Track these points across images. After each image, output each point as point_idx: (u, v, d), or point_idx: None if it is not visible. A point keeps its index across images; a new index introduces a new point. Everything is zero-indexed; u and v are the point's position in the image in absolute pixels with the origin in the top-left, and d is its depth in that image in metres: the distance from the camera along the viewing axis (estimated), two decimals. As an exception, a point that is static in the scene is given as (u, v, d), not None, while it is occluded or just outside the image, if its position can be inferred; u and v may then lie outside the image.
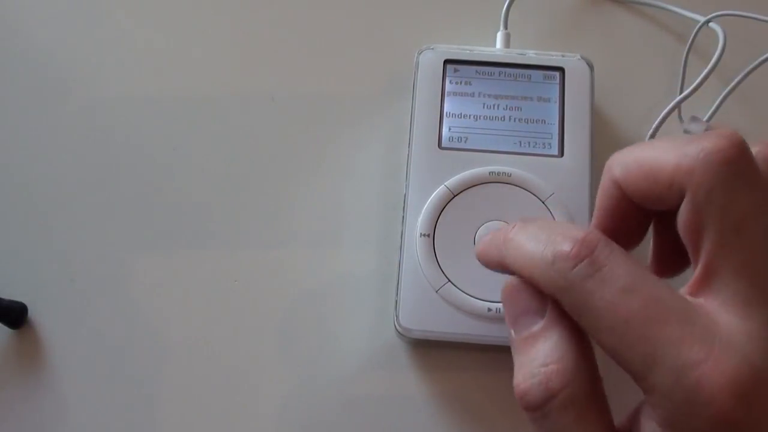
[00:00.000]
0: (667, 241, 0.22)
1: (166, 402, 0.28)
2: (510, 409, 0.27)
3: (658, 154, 0.20)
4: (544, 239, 0.20)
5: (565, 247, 0.19)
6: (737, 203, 0.18)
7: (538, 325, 0.20)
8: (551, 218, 0.28)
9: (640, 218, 0.22)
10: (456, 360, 0.29)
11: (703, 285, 0.18)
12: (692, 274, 0.19)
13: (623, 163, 0.21)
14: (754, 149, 0.19)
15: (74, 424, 0.28)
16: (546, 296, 0.21)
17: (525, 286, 0.21)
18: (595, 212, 0.23)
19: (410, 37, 0.34)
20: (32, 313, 0.30)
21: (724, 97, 0.32)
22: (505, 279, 0.22)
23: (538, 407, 0.19)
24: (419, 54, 0.31)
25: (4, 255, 0.31)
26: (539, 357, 0.20)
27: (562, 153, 0.29)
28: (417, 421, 0.28)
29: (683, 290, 0.19)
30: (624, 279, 0.18)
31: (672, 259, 0.23)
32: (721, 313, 0.18)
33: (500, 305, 0.27)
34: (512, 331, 0.21)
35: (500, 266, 0.23)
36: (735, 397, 0.16)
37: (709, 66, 0.30)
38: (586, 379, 0.19)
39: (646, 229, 0.23)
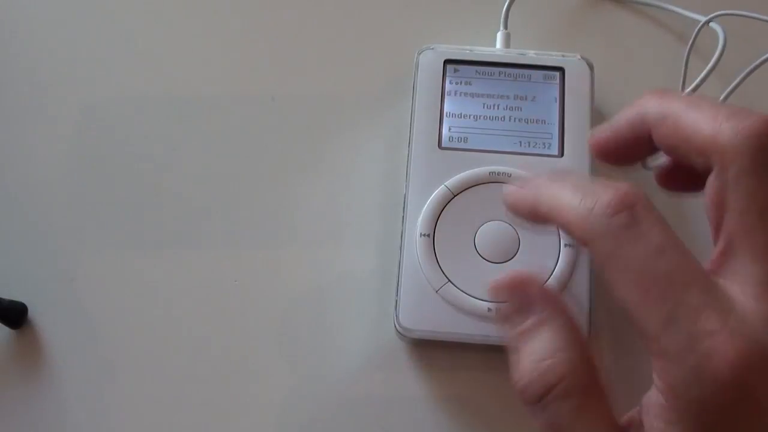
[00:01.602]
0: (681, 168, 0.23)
1: (166, 402, 0.28)
2: (510, 409, 0.27)
3: (696, 119, 0.20)
4: (584, 189, 0.20)
5: (607, 196, 0.19)
6: (764, 189, 0.18)
7: (532, 320, 0.21)
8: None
9: (648, 152, 0.22)
10: (456, 360, 0.29)
11: (722, 263, 0.19)
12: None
13: (661, 112, 0.21)
14: None
15: (74, 424, 0.28)
16: (537, 292, 0.21)
17: (519, 282, 0.22)
18: (608, 130, 0.23)
19: (410, 37, 0.34)
20: (32, 313, 0.30)
21: (725, 97, 0.32)
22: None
23: (538, 400, 0.19)
24: (419, 54, 0.31)
25: (4, 255, 0.31)
26: (536, 352, 0.20)
27: (562, 153, 0.29)
28: (417, 421, 0.28)
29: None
30: (659, 238, 0.18)
31: (681, 178, 0.23)
32: (737, 292, 0.18)
33: (501, 304, 0.27)
34: (507, 328, 0.21)
35: (532, 213, 0.22)
36: (741, 370, 0.17)
37: (710, 66, 0.30)
38: (583, 370, 0.19)
39: (648, 156, 0.23)
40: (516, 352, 0.21)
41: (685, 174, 0.22)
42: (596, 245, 0.19)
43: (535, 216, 0.22)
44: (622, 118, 0.22)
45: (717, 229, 0.19)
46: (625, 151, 0.23)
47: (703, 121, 0.19)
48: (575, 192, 0.20)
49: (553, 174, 0.22)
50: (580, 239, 0.20)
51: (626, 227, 0.19)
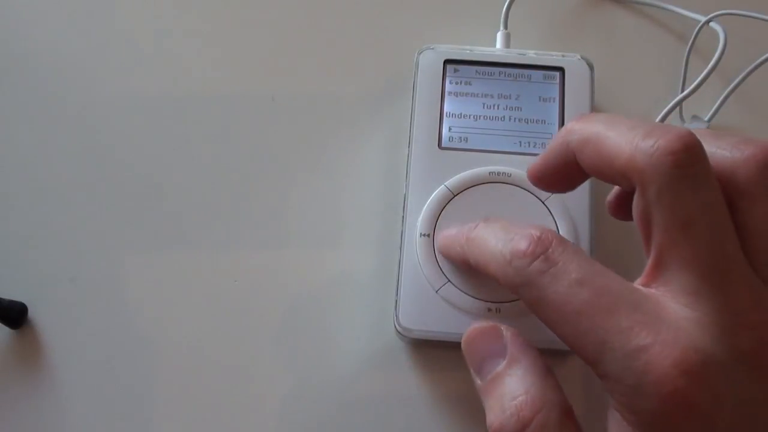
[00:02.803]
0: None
1: (166, 402, 0.28)
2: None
3: (615, 140, 0.20)
4: (503, 237, 0.21)
5: (522, 245, 0.20)
6: (684, 204, 0.19)
7: (501, 365, 0.21)
8: (551, 219, 0.28)
9: (584, 176, 0.23)
10: (456, 360, 0.28)
11: (654, 276, 0.19)
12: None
13: (582, 137, 0.21)
14: (748, 150, 0.20)
15: (74, 424, 0.28)
16: (503, 337, 0.22)
17: (481, 333, 0.22)
18: (540, 161, 0.23)
19: (410, 37, 0.34)
20: (32, 313, 0.30)
21: (726, 97, 0.32)
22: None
23: None
24: (419, 54, 0.31)
25: (4, 255, 0.31)
26: (507, 392, 0.20)
27: (562, 153, 0.29)
28: (417, 420, 0.28)
29: (639, 280, 0.20)
30: (576, 273, 0.19)
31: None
32: (669, 302, 0.19)
33: (500, 305, 0.27)
34: (478, 380, 0.22)
35: (462, 262, 0.24)
36: (681, 377, 0.17)
37: (710, 65, 0.30)
38: (555, 407, 0.20)
39: (583, 182, 0.23)
40: (488, 397, 0.21)
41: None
42: (522, 294, 0.21)
43: (468, 266, 0.24)
44: (550, 148, 0.23)
45: (647, 243, 0.20)
46: (561, 179, 0.23)
47: (621, 141, 0.20)
48: (496, 241, 0.22)
49: (485, 219, 0.24)
50: (508, 289, 0.21)
51: (543, 272, 0.20)
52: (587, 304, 0.19)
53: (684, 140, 0.19)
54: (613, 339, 0.18)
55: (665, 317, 0.18)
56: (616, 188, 0.24)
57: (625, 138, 0.20)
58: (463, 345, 0.23)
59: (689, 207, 0.19)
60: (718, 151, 0.20)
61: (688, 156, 0.19)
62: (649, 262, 0.19)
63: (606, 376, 0.19)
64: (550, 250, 0.20)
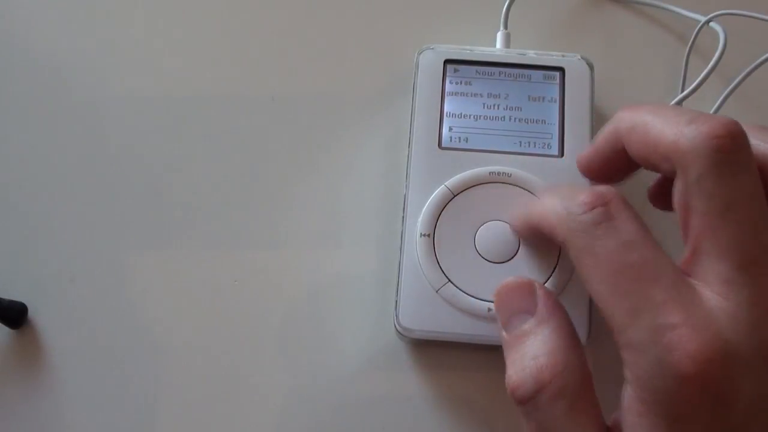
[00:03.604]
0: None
1: (166, 402, 0.28)
2: (509, 409, 0.27)
3: (661, 126, 0.20)
4: (566, 194, 0.21)
5: (583, 196, 0.20)
6: (724, 189, 0.19)
7: (529, 323, 0.21)
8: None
9: (632, 167, 0.23)
10: (456, 360, 0.29)
11: (691, 262, 0.19)
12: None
13: (631, 122, 0.22)
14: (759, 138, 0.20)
15: (74, 424, 0.28)
16: (536, 295, 0.22)
17: (516, 287, 0.22)
18: (591, 148, 0.24)
19: (410, 37, 0.34)
20: (32, 313, 0.30)
21: (726, 97, 0.32)
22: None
23: (530, 399, 0.20)
24: (419, 54, 0.31)
25: (4, 255, 0.31)
26: (530, 351, 0.20)
27: (562, 153, 0.29)
28: (417, 420, 0.28)
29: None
30: (629, 234, 0.19)
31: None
32: (704, 290, 0.19)
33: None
34: (504, 333, 0.22)
35: (527, 226, 0.24)
36: (703, 362, 0.17)
37: (710, 65, 0.30)
38: (576, 372, 0.20)
39: (632, 174, 0.24)
40: (511, 351, 0.21)
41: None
42: (571, 242, 0.20)
43: (531, 228, 0.24)
44: (600, 136, 0.23)
45: (686, 231, 0.20)
46: (610, 168, 0.24)
47: (667, 127, 0.20)
48: (558, 198, 0.21)
49: (550, 185, 0.23)
50: (560, 240, 0.21)
51: (599, 223, 0.20)
52: (631, 267, 0.19)
53: (728, 127, 0.19)
54: (646, 309, 0.18)
55: (698, 303, 0.18)
56: (658, 176, 0.24)
57: (670, 123, 0.20)
58: (495, 295, 0.23)
59: (729, 193, 0.19)
60: (762, 144, 0.20)
61: (731, 142, 0.19)
62: (687, 250, 0.19)
63: (629, 345, 0.18)
64: (610, 205, 0.20)
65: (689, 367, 0.17)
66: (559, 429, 0.19)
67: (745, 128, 0.19)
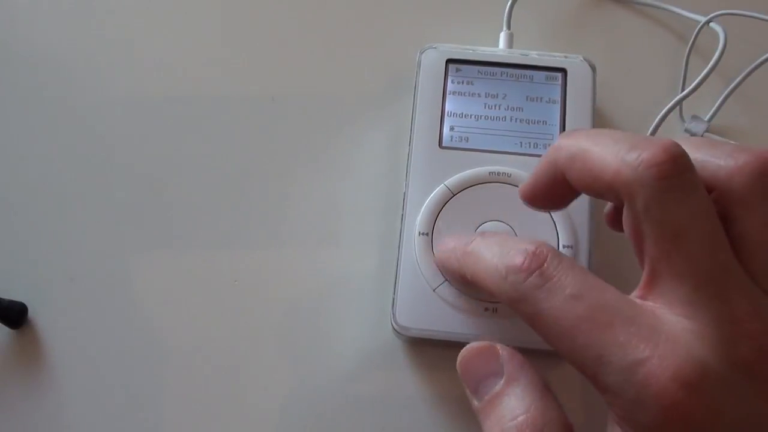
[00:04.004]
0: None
1: (166, 401, 0.28)
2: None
3: (601, 155, 0.20)
4: (499, 252, 0.21)
5: (517, 260, 0.20)
6: (673, 215, 0.18)
7: (499, 384, 0.21)
8: (550, 220, 0.28)
9: (575, 192, 0.23)
10: (453, 359, 0.28)
11: (649, 288, 0.19)
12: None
13: (569, 154, 0.21)
14: (743, 158, 0.19)
15: (74, 424, 0.28)
16: (500, 356, 0.21)
17: (477, 353, 0.22)
18: (531, 179, 0.23)
19: (412, 36, 0.34)
20: (32, 313, 0.30)
21: (726, 97, 0.32)
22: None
23: None
24: (421, 53, 0.31)
25: (4, 255, 0.31)
26: (508, 413, 0.20)
27: (562, 153, 0.29)
28: (414, 419, 0.28)
29: (635, 293, 0.20)
30: (571, 288, 0.19)
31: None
32: (666, 313, 0.18)
33: (497, 304, 0.27)
34: (475, 402, 0.21)
35: (459, 276, 0.24)
36: (681, 388, 0.17)
37: (710, 65, 0.30)
38: (556, 424, 0.20)
39: (576, 197, 0.23)
40: (486, 419, 0.21)
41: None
42: (518, 309, 0.20)
43: (463, 280, 0.24)
44: (539, 167, 0.23)
45: (640, 256, 0.20)
46: (554, 196, 0.23)
47: (607, 155, 0.20)
48: (492, 256, 0.21)
49: (481, 233, 0.24)
50: (503, 302, 0.21)
51: (538, 287, 0.20)
52: (583, 318, 0.19)
53: (668, 151, 0.18)
54: (611, 353, 0.18)
55: (662, 329, 0.18)
56: (609, 204, 0.24)
57: (610, 152, 0.19)
58: (458, 365, 0.22)
59: (677, 218, 0.18)
60: (713, 159, 0.20)
61: (673, 167, 0.18)
62: (644, 275, 0.19)
63: (606, 389, 0.18)
64: (546, 264, 0.20)
65: (669, 396, 0.17)
66: None
67: (687, 145, 0.19)
